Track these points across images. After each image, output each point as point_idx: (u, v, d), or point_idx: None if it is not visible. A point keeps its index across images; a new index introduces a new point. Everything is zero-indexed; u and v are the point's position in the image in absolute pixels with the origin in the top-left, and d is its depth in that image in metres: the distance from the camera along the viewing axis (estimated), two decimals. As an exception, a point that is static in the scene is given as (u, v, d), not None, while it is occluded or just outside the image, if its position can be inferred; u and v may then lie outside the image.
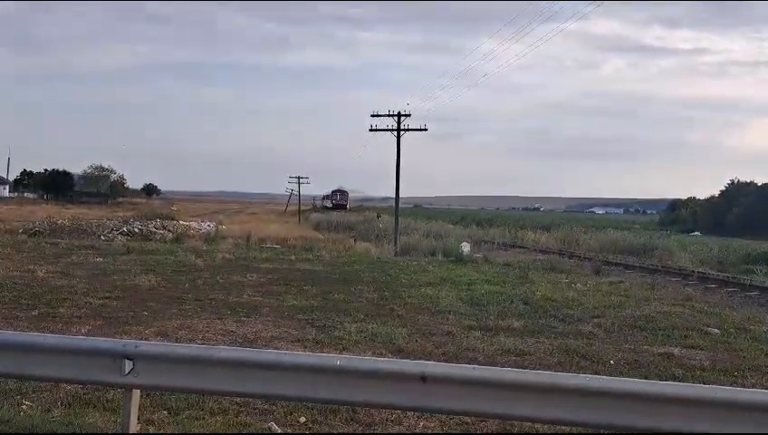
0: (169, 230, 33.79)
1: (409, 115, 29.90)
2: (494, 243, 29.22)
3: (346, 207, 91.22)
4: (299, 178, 78.40)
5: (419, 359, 7.02)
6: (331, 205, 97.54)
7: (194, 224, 44.75)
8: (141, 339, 7.27)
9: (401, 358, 7.09)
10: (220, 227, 38.87)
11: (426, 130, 30.54)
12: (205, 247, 21.03)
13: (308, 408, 5.42)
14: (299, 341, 8.00)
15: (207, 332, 8.38)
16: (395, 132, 29.23)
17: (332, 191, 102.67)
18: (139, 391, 4.77)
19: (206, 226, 43.70)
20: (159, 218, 43.40)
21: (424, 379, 4.06)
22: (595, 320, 10.23)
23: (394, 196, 33.83)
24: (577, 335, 9.02)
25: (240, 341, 7.92)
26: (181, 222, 44.25)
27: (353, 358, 4.91)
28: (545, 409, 4.05)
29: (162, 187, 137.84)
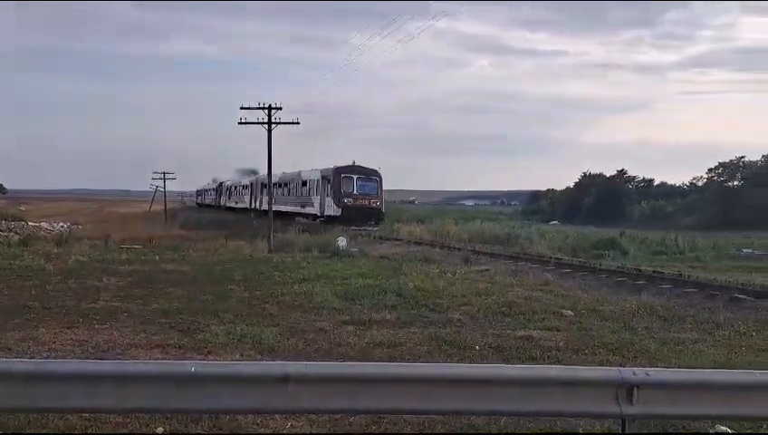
0: (16, 232, 30.67)
1: (281, 108, 28.99)
2: (370, 236, 29.64)
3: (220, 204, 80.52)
4: (164, 173, 73.81)
5: (290, 358, 6.85)
6: (202, 202, 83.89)
7: (45, 225, 41.10)
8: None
9: (272, 358, 6.88)
10: (75, 227, 35.94)
11: (298, 123, 29.74)
12: (56, 250, 19.27)
13: (167, 418, 5.06)
14: (159, 347, 7.50)
15: (55, 343, 7.63)
16: (266, 126, 28.54)
17: (203, 187, 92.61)
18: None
19: (60, 226, 40.30)
20: (5, 220, 39.27)
21: (287, 379, 3.91)
22: (463, 308, 10.59)
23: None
24: (446, 324, 9.27)
25: (92, 351, 7.28)
26: (30, 223, 40.44)
27: (210, 363, 4.64)
28: (412, 400, 4.06)
29: (9, 185, 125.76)
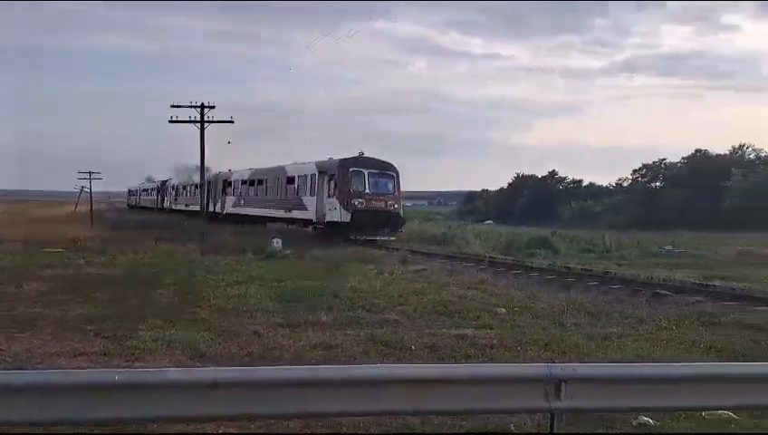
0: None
1: (214, 107, 28.28)
2: (308, 238, 29.09)
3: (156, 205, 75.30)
4: (90, 173, 70.41)
5: (222, 363, 6.67)
6: (136, 203, 77.29)
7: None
8: None
9: (203, 364, 6.68)
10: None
11: (232, 122, 29.04)
12: (-29, 255, 18.11)
13: (90, 429, 4.81)
14: (83, 354, 7.15)
15: (-34, 354, 7.14)
16: (198, 125, 27.83)
17: (136, 187, 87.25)
18: None
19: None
20: None
21: (215, 386, 3.79)
22: (399, 308, 10.64)
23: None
24: (383, 324, 9.28)
25: (10, 361, 6.86)
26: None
27: (135, 371, 4.45)
28: (337, 402, 4.02)
29: None
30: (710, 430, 5.18)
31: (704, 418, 5.31)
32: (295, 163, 32.06)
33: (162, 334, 8.06)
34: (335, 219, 26.15)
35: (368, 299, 11.38)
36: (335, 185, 26.49)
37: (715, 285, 14.59)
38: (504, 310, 10.61)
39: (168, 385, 3.91)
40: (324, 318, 9.62)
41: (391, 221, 26.27)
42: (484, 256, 20.52)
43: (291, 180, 31.29)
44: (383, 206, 26.22)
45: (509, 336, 8.57)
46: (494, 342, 8.23)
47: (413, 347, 7.87)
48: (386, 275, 15.10)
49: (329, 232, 26.55)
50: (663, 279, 15.32)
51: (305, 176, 29.52)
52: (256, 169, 35.91)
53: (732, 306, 11.56)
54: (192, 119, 28.46)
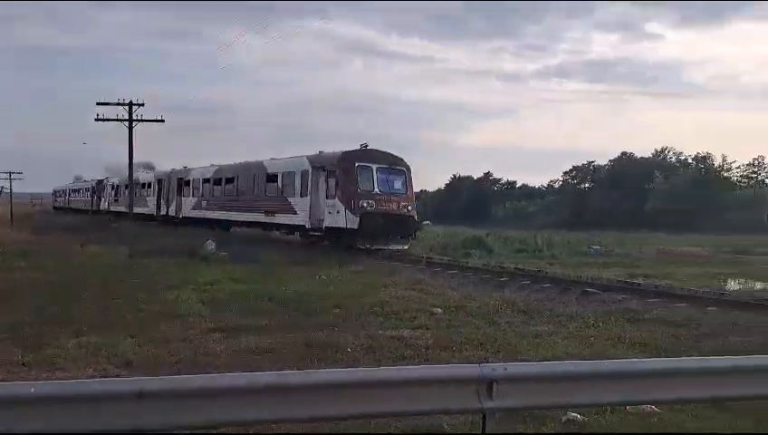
0: None
1: (143, 104, 27.27)
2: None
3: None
4: (10, 173, 66.53)
5: (150, 371, 6.43)
6: (65, 204, 70.47)
7: None
8: None
9: (129, 373, 6.42)
10: None
11: (162, 121, 28.22)
12: None
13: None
14: (-2, 365, 6.73)
15: None
16: (126, 124, 26.83)
17: (62, 187, 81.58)
18: None
19: None
20: None
21: (141, 396, 3.64)
22: (336, 310, 10.58)
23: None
24: (320, 327, 9.19)
25: None
26: None
27: (53, 382, 4.22)
28: (277, 409, 3.95)
29: None
30: (633, 423, 5.40)
31: (628, 412, 5.52)
32: (275, 159, 27.36)
33: (86, 341, 7.70)
34: (338, 225, 21.76)
35: (304, 302, 11.27)
36: (336, 183, 22.16)
37: (639, 283, 15.27)
38: (440, 310, 10.73)
39: (90, 397, 3.71)
40: (259, 322, 9.45)
41: (405, 226, 22.01)
42: (422, 257, 20.70)
43: (272, 178, 26.44)
44: (395, 208, 21.87)
45: (445, 336, 8.66)
46: (430, 342, 8.30)
47: (349, 349, 7.84)
48: (323, 277, 15.00)
49: (328, 240, 22.62)
50: (591, 278, 15.90)
51: (293, 173, 24.79)
52: (222, 166, 31.42)
53: (655, 303, 12.12)
54: (120, 117, 27.41)
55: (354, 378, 4.19)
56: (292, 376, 4.01)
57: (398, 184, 22.55)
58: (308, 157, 24.33)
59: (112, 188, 48.55)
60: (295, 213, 24.14)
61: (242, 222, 28.38)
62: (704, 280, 17.45)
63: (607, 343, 8.46)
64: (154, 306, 10.60)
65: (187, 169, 35.99)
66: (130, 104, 27.43)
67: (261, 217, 26.43)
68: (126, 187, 41.97)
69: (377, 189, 21.83)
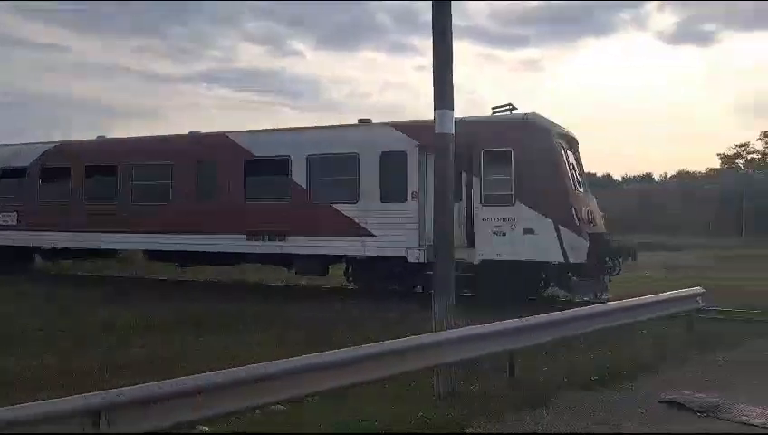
0: None
1: None
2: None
3: None
4: None
5: None
6: None
7: None
8: None
9: None
10: None
11: None
12: None
13: None
14: None
15: None
16: None
17: None
18: None
19: None
20: None
21: None
22: None
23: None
24: None
25: None
26: None
27: None
28: None
29: None
30: (261, 423, 5.57)
31: (256, 414, 5.65)
32: (273, 130, 15.20)
33: None
34: (532, 257, 12.30)
35: None
36: (521, 176, 12.45)
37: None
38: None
39: None
40: None
41: (623, 251, 13.17)
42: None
43: (273, 166, 14.58)
44: (597, 219, 13.63)
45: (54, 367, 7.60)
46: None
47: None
48: None
49: (486, 289, 12.31)
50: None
51: (354, 157, 13.71)
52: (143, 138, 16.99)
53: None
54: None
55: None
56: None
57: (584, 181, 13.95)
58: (396, 125, 13.62)
59: None
60: (369, 234, 13.28)
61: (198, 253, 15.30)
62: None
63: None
64: None
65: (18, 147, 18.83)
66: None
67: (240, 244, 14.46)
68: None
69: (579, 189, 13.29)
